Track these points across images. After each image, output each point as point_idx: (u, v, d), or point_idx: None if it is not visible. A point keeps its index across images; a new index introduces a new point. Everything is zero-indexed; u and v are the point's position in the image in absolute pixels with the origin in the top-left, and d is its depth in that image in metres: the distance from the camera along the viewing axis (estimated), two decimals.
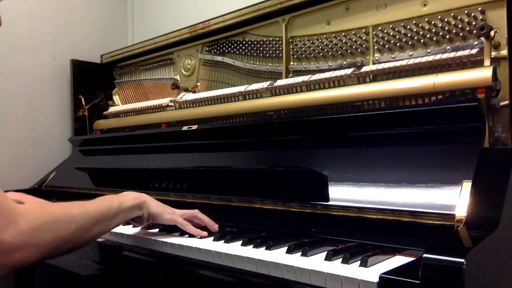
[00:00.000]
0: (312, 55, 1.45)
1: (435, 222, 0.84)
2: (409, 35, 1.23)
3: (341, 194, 1.00)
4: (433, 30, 1.19)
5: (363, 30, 1.32)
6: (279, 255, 0.85)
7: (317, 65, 1.43)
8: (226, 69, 1.73)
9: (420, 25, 1.21)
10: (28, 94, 2.13)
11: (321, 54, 1.43)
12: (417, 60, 1.14)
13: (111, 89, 2.26)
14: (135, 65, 2.15)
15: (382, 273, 0.68)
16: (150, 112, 1.90)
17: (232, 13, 1.64)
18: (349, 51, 1.36)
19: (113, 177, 1.63)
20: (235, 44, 1.68)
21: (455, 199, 0.84)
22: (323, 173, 1.04)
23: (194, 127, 1.50)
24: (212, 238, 1.02)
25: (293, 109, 1.35)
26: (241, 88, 1.52)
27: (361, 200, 0.95)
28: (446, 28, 1.17)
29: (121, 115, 2.07)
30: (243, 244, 0.94)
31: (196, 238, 1.04)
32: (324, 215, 1.01)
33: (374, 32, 1.30)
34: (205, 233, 1.05)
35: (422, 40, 1.21)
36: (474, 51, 1.08)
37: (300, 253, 0.85)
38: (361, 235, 0.93)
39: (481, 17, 1.11)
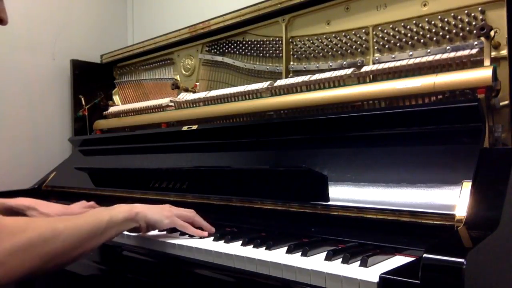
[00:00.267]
0: (312, 55, 1.45)
1: (435, 222, 0.84)
2: (409, 35, 1.23)
3: (341, 194, 1.00)
4: (433, 30, 1.19)
5: (363, 30, 1.32)
6: (279, 255, 0.85)
7: (317, 65, 1.43)
8: (226, 69, 1.73)
9: (420, 25, 1.21)
10: (28, 94, 2.13)
11: (321, 54, 1.43)
12: (417, 60, 1.14)
13: (111, 89, 2.26)
14: (135, 65, 2.15)
15: (382, 273, 0.68)
16: (150, 112, 1.90)
17: (232, 13, 1.64)
18: (349, 51, 1.36)
19: (113, 177, 1.63)
20: (235, 44, 1.68)
21: (455, 199, 0.84)
22: (323, 173, 1.04)
23: (194, 127, 1.50)
24: (212, 238, 1.02)
25: (293, 109, 1.35)
26: (241, 88, 1.52)
27: (361, 200, 0.95)
28: (446, 28, 1.17)
29: (121, 115, 2.07)
30: (243, 244, 0.94)
31: (196, 238, 1.04)
32: (324, 215, 1.00)
33: (374, 32, 1.30)
34: (206, 233, 1.04)
35: (422, 40, 1.21)
36: (474, 51, 1.08)
37: (300, 253, 0.85)
38: (361, 235, 0.93)
39: (481, 17, 1.11)
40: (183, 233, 1.08)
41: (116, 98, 2.25)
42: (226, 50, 1.72)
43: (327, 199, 1.00)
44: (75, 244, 0.83)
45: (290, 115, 1.37)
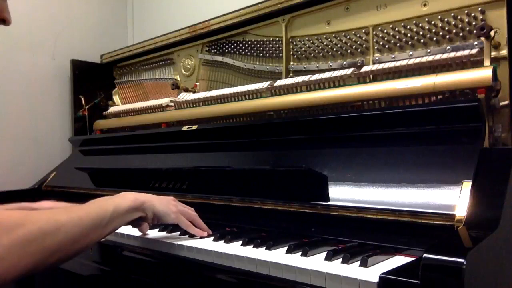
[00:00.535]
0: (312, 55, 1.45)
1: (435, 222, 0.84)
2: (409, 35, 1.23)
3: (341, 194, 1.00)
4: (433, 30, 1.19)
5: (363, 30, 1.32)
6: (279, 255, 0.85)
7: (317, 65, 1.43)
8: (226, 69, 1.73)
9: (420, 25, 1.21)
10: (28, 94, 2.13)
11: (321, 54, 1.43)
12: (417, 60, 1.14)
13: (111, 89, 2.26)
14: (135, 65, 2.15)
15: (382, 273, 0.68)
16: (150, 112, 1.89)
17: (232, 13, 1.64)
18: (349, 51, 1.36)
19: (113, 177, 1.63)
20: (235, 44, 1.68)
21: (455, 199, 0.84)
22: (323, 173, 1.04)
23: (194, 127, 1.50)
24: (212, 238, 1.02)
25: (293, 109, 1.35)
26: (241, 88, 1.52)
27: (361, 200, 0.95)
28: (446, 28, 1.17)
29: (121, 115, 2.07)
30: (243, 244, 0.94)
31: (196, 238, 1.04)
32: (324, 215, 1.00)
33: (374, 32, 1.30)
34: (206, 233, 1.04)
35: (422, 40, 1.21)
36: (474, 51, 1.08)
37: (300, 253, 0.86)
38: (361, 235, 0.93)
39: (481, 17, 1.11)
40: (183, 233, 1.08)
41: (116, 98, 2.25)
42: (226, 50, 1.72)
43: (327, 199, 1.00)
44: (78, 237, 0.79)
45: (290, 115, 1.37)
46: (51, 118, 2.22)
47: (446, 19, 1.16)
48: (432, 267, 0.61)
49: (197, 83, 1.82)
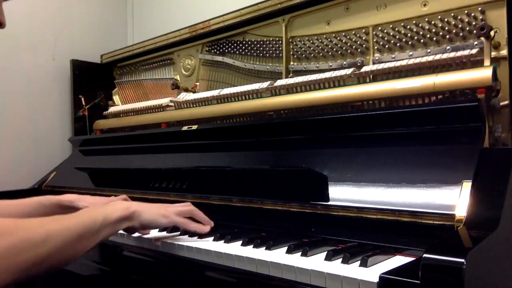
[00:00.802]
0: (312, 55, 1.45)
1: (435, 222, 0.84)
2: (409, 35, 1.23)
3: (341, 194, 1.00)
4: (433, 30, 1.19)
5: (363, 30, 1.32)
6: (279, 255, 0.85)
7: (317, 65, 1.43)
8: (226, 69, 1.73)
9: (420, 25, 1.21)
10: (28, 94, 2.13)
11: (321, 54, 1.43)
12: (417, 60, 1.14)
13: (111, 89, 2.26)
14: (135, 65, 2.15)
15: (382, 273, 0.68)
16: (150, 112, 1.90)
17: (232, 13, 1.64)
18: (349, 51, 1.36)
19: (113, 177, 1.63)
20: (235, 44, 1.68)
21: (455, 199, 0.84)
22: (323, 173, 1.04)
23: (194, 127, 1.50)
24: (212, 238, 1.02)
25: (293, 109, 1.35)
26: (241, 88, 1.52)
27: (361, 200, 0.95)
28: (446, 28, 1.17)
29: (121, 115, 2.07)
30: (243, 244, 0.94)
31: (196, 238, 1.04)
32: (324, 215, 1.00)
33: (374, 32, 1.30)
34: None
35: (422, 40, 1.21)
36: (474, 51, 1.08)
37: (300, 253, 0.86)
38: (361, 235, 0.93)
39: (481, 17, 1.11)
40: (183, 233, 1.08)
41: (116, 98, 2.25)
42: (226, 50, 1.72)
43: (327, 199, 1.00)
44: (66, 247, 0.78)
45: (290, 115, 1.37)
46: (51, 118, 2.22)
47: (446, 19, 1.16)
48: (432, 267, 0.61)
49: (197, 83, 1.82)
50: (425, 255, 0.62)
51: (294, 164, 1.17)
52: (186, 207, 1.05)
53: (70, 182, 1.84)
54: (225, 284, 0.91)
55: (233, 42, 1.69)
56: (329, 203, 1.00)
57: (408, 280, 0.64)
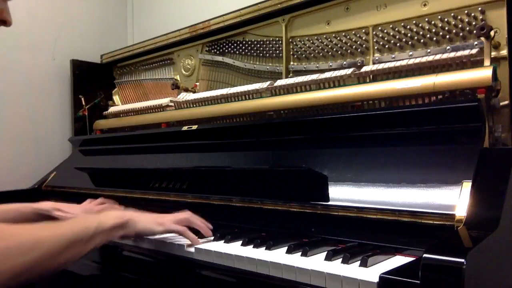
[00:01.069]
0: (312, 55, 1.45)
1: (435, 222, 0.84)
2: (409, 35, 1.23)
3: (341, 194, 1.00)
4: (433, 30, 1.19)
5: (363, 30, 1.32)
6: (279, 255, 0.85)
7: (317, 65, 1.43)
8: (226, 69, 1.73)
9: (420, 25, 1.21)
10: (28, 94, 2.13)
11: (321, 54, 1.43)
12: (417, 60, 1.14)
13: (111, 89, 2.26)
14: (135, 65, 2.15)
15: (382, 273, 0.68)
16: (150, 112, 1.89)
17: (232, 13, 1.64)
18: (349, 51, 1.36)
19: (113, 177, 1.63)
20: (235, 44, 1.68)
21: (455, 199, 0.84)
22: (323, 173, 1.04)
23: (194, 127, 1.50)
24: (212, 238, 1.02)
25: (293, 109, 1.35)
26: (241, 88, 1.52)
27: (361, 200, 0.95)
28: (446, 28, 1.17)
29: (121, 115, 2.07)
30: (243, 244, 0.94)
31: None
32: (324, 215, 1.00)
33: (374, 32, 1.30)
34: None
35: (422, 40, 1.21)
36: (474, 51, 1.08)
37: (300, 253, 0.86)
38: (361, 235, 0.93)
39: (481, 17, 1.11)
40: None
41: (116, 98, 2.25)
42: (226, 50, 1.72)
43: (327, 199, 1.00)
44: (57, 253, 0.79)
45: (290, 115, 1.37)
46: (51, 118, 2.22)
47: (446, 19, 1.16)
48: (432, 267, 0.61)
49: (197, 83, 1.82)
50: (425, 255, 0.62)
51: (294, 164, 1.17)
52: (183, 215, 1.04)
53: (70, 182, 1.83)
54: (225, 284, 0.91)
55: (233, 42, 1.69)
56: (329, 203, 1.00)
57: (408, 280, 0.64)
